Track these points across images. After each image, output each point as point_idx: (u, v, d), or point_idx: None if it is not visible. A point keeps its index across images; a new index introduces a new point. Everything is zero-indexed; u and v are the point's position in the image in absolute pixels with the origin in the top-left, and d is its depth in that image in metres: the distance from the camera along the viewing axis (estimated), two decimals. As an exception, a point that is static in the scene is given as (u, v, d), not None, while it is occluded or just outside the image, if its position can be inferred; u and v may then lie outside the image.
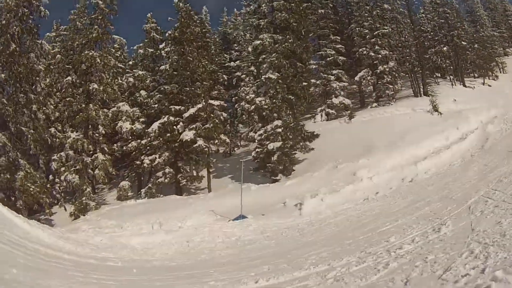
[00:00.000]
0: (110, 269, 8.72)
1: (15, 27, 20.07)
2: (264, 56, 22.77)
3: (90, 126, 22.97)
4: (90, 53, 23.03)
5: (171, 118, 23.20)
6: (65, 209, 21.76)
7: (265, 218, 13.11)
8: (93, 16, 24.16)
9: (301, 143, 21.82)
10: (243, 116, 27.45)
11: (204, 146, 22.12)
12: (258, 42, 23.01)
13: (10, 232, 9.64)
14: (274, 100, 21.57)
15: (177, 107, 23.53)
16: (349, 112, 27.85)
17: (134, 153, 24.67)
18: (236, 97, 29.88)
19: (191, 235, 12.10)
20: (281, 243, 9.94)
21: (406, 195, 12.28)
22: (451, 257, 5.42)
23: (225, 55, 35.00)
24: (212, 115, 23.26)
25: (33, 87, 21.23)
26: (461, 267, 4.88)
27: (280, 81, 22.02)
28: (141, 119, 24.74)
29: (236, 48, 35.59)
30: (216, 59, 31.76)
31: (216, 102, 24.22)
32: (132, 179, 26.11)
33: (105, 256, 10.24)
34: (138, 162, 23.73)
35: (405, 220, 8.78)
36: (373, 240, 7.73)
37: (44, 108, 22.24)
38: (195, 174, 23.59)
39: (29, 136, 19.98)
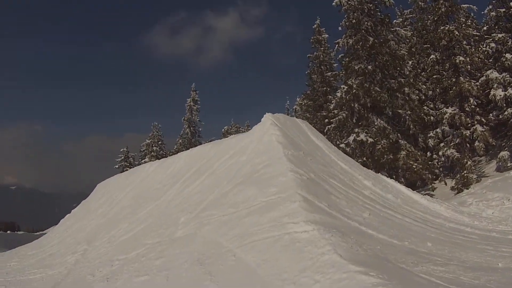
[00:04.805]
0: (513, 243, 8.58)
1: (366, 22, 22.30)
2: None
3: (463, 100, 22.72)
4: (446, 28, 22.83)
5: (542, 79, 20.07)
6: (445, 183, 22.40)
7: None
8: (436, -8, 23.82)
9: None
10: None
11: None
12: None
13: (413, 208, 10.86)
14: None
15: (546, 67, 20.02)
16: None
17: (511, 121, 22.37)
18: None
19: None
20: None
21: None
22: None
23: None
24: None
25: (399, 71, 22.90)
26: None
27: None
28: (513, 84, 22.43)
29: None
30: None
31: None
32: (511, 149, 23.75)
33: (503, 229, 10.20)
34: (516, 130, 21.59)
35: None
36: None
37: (414, 89, 23.62)
38: None
39: (407, 117, 21.76)
